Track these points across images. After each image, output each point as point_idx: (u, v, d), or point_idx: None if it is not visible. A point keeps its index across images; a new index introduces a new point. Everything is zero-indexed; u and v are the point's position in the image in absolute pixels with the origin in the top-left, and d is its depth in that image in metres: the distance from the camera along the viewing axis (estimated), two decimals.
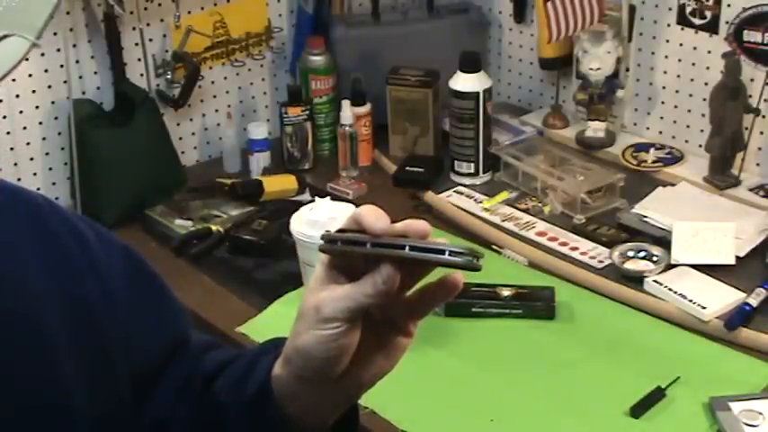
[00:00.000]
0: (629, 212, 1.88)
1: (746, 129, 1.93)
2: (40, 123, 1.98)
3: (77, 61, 1.99)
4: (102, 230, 0.99)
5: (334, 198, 1.75)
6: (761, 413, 1.40)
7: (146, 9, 2.03)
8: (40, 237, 0.91)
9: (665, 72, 2.11)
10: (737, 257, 1.73)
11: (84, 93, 2.01)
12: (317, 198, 1.71)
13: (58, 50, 1.93)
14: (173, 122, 2.12)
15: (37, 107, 1.96)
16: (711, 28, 1.99)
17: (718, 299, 1.63)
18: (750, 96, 1.92)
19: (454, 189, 2.03)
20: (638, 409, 1.43)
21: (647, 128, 2.17)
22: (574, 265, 1.76)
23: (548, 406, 1.46)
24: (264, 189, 2.02)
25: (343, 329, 0.82)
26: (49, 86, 1.96)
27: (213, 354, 1.03)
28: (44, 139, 1.99)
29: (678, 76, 2.09)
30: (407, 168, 2.07)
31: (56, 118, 1.99)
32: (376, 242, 0.78)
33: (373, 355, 0.86)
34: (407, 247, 0.77)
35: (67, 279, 0.91)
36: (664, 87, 2.12)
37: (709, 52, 2.01)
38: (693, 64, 2.05)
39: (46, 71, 1.94)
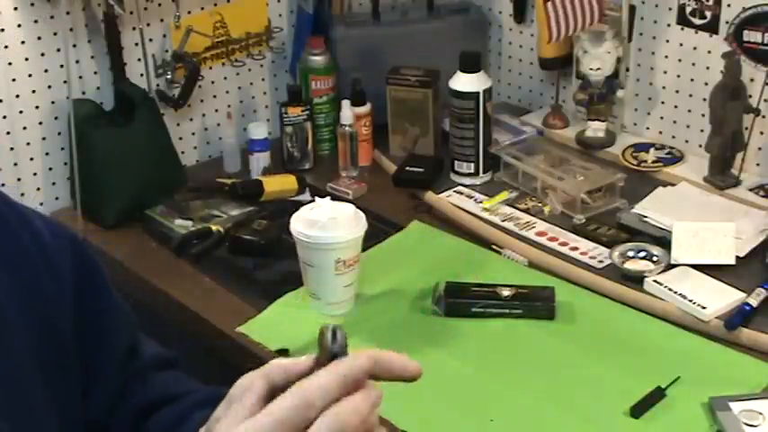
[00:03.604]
0: (629, 212, 1.88)
1: (746, 129, 1.93)
2: (40, 123, 1.97)
3: (77, 61, 1.99)
4: (51, 222, 0.98)
5: (334, 198, 1.74)
6: (761, 413, 1.40)
7: (146, 9, 2.03)
8: None
9: (665, 72, 2.11)
10: (737, 257, 1.73)
11: (84, 93, 2.00)
12: (316, 198, 1.71)
13: (58, 50, 1.93)
14: (173, 122, 2.12)
15: (37, 107, 1.96)
16: (711, 28, 1.99)
17: (718, 299, 1.63)
18: (750, 96, 1.92)
19: (454, 189, 2.03)
20: (638, 409, 1.43)
21: (647, 128, 2.17)
22: (574, 265, 1.76)
23: (548, 406, 1.46)
24: (264, 189, 2.01)
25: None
26: (49, 86, 1.96)
27: (159, 379, 1.03)
28: (44, 139, 1.99)
29: (678, 76, 2.08)
30: (407, 168, 2.07)
31: (56, 118, 1.98)
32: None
33: None
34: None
35: (25, 279, 0.90)
36: (664, 87, 2.12)
37: (709, 52, 2.01)
38: (693, 64, 2.05)
39: (46, 71, 1.94)
